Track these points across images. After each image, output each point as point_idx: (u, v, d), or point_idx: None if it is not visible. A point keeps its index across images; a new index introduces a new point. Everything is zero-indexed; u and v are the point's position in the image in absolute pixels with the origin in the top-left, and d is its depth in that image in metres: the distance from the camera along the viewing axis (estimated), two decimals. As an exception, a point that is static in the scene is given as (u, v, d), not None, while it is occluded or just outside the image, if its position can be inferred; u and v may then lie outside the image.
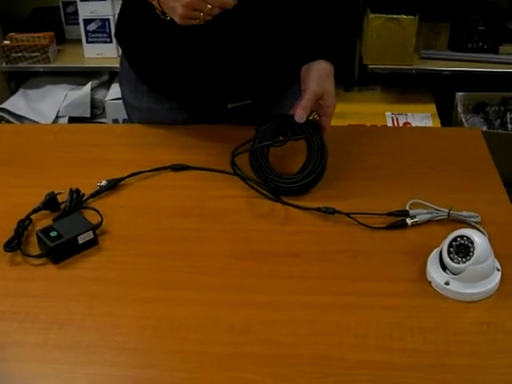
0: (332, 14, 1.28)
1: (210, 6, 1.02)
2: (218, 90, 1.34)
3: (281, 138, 1.21)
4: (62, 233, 1.06)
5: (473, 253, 0.96)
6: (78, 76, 2.83)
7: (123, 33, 1.38)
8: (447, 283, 0.97)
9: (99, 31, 2.71)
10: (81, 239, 1.06)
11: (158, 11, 1.10)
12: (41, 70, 2.77)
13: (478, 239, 0.97)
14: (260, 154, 1.19)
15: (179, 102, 1.39)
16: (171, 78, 1.33)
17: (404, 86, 2.82)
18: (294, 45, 1.27)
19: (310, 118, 1.19)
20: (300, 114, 1.16)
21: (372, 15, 2.52)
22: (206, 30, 1.09)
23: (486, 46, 2.63)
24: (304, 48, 1.23)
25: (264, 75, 1.33)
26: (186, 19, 1.04)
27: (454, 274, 0.97)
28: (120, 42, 1.40)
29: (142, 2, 1.12)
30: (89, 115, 2.76)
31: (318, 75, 1.20)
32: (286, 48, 1.29)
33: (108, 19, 2.69)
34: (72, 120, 2.75)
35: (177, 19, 1.05)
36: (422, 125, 2.62)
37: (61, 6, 2.84)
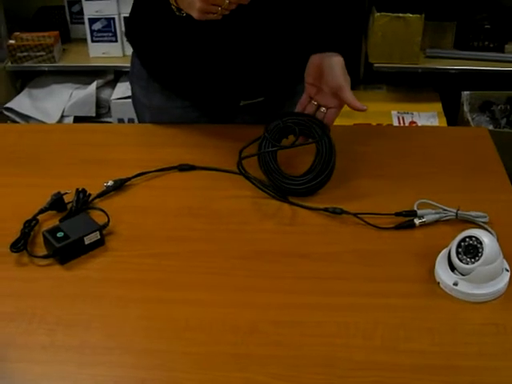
0: (341, 7, 1.28)
1: (227, 1, 1.02)
2: (230, 87, 1.33)
3: (290, 136, 1.21)
4: (69, 233, 1.05)
5: (482, 253, 0.95)
6: (84, 75, 2.83)
7: (134, 32, 1.38)
8: (456, 284, 0.97)
9: (104, 30, 2.71)
10: (87, 240, 1.06)
11: (173, 7, 1.09)
12: (46, 69, 2.77)
13: (487, 240, 0.96)
14: (269, 157, 1.19)
15: (191, 100, 1.39)
16: (183, 76, 1.33)
17: (410, 84, 2.82)
18: (305, 41, 1.27)
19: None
20: (358, 104, 1.19)
21: (378, 14, 2.51)
22: (218, 27, 1.09)
23: (492, 45, 2.62)
24: (315, 43, 1.23)
25: (276, 72, 1.33)
26: (204, 14, 1.04)
27: (462, 275, 0.97)
28: (131, 41, 1.40)
29: (155, 0, 1.11)
30: (94, 114, 2.76)
31: (343, 69, 1.20)
32: (297, 45, 1.28)
33: (113, 18, 2.69)
34: (77, 119, 2.76)
35: (195, 14, 1.04)
36: (428, 124, 2.61)
37: (66, 5, 2.85)
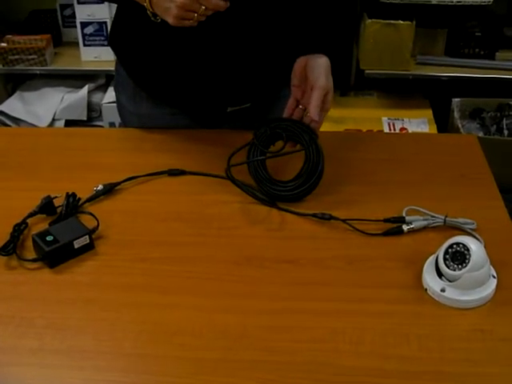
0: (329, 11, 1.28)
1: (203, 8, 1.02)
2: (217, 94, 1.34)
3: (279, 142, 1.21)
4: (58, 237, 1.05)
5: (469, 260, 0.96)
6: (75, 79, 2.83)
7: (118, 41, 1.37)
8: (443, 290, 0.97)
9: (96, 34, 2.71)
10: (77, 244, 1.06)
11: (148, 12, 1.09)
12: (38, 72, 2.76)
13: (474, 246, 0.97)
14: (257, 163, 1.19)
15: (179, 107, 1.39)
16: (170, 84, 1.33)
17: (400, 91, 2.83)
18: (290, 44, 1.27)
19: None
20: (316, 113, 1.16)
21: (369, 20, 2.52)
22: (202, 34, 1.09)
23: (482, 52, 2.64)
24: (301, 46, 1.23)
25: (262, 77, 1.33)
26: (180, 20, 1.04)
27: (449, 281, 0.97)
28: (115, 51, 1.40)
29: (137, 9, 1.12)
30: (85, 118, 2.76)
31: (325, 71, 1.20)
32: (282, 48, 1.29)
33: (105, 22, 2.70)
34: (68, 123, 2.76)
35: (170, 20, 1.05)
36: (419, 130, 2.62)
37: (58, 8, 2.84)
